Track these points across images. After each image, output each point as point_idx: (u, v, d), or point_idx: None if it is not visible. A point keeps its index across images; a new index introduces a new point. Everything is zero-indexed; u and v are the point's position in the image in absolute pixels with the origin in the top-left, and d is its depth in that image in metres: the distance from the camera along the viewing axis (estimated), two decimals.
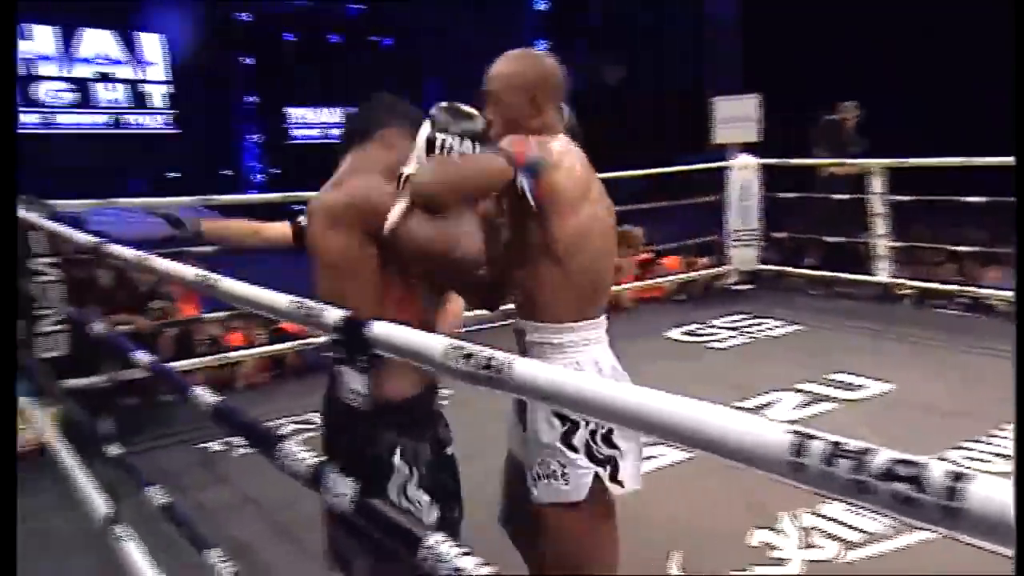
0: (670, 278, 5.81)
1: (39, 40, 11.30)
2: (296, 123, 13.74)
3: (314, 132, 13.74)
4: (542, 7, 16.89)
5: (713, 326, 4.93)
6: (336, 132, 13.93)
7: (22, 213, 2.99)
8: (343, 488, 0.90)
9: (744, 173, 5.70)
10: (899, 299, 5.18)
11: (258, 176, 12.97)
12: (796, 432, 0.54)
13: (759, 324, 4.91)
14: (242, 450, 3.13)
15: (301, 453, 1.00)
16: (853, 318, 4.97)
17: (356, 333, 0.98)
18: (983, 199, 4.63)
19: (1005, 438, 2.89)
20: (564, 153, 1.54)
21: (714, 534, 2.39)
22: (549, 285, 1.53)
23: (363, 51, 13.75)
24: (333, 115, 13.98)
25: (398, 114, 1.57)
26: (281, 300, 1.17)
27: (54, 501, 2.70)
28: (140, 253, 1.77)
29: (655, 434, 0.64)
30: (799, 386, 3.64)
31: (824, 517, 2.42)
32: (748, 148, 5.76)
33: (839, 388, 3.61)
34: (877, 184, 5.14)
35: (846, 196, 5.38)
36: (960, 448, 2.86)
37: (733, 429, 0.57)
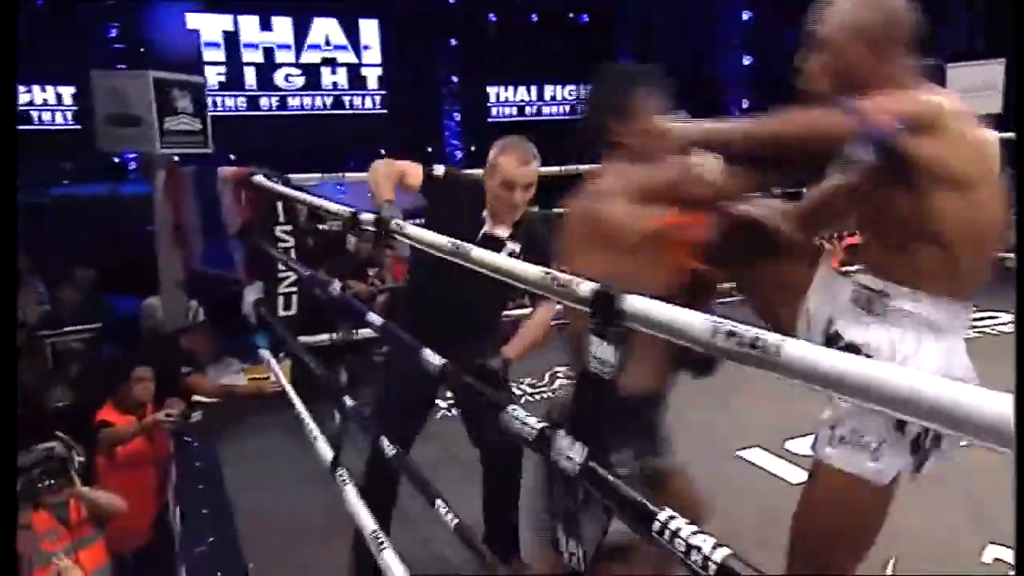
0: None
1: (278, 31, 12.59)
2: (495, 103, 14.17)
3: (511, 111, 14.10)
4: None
5: None
6: (531, 111, 14.11)
7: (268, 184, 3.38)
8: (573, 454, 0.92)
9: None
10: None
11: (457, 153, 13.58)
12: None
13: (990, 318, 4.39)
14: (443, 412, 3.33)
15: (528, 417, 1.03)
16: None
17: (609, 305, 0.94)
18: None
19: None
20: (943, 113, 1.30)
21: (941, 547, 2.21)
22: (917, 259, 1.36)
23: (559, 29, 13.85)
24: (531, 93, 14.25)
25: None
26: (533, 271, 1.14)
27: (292, 441, 3.05)
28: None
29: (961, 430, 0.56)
30: None
31: None
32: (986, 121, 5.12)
33: None
34: None
35: None
36: None
37: None
